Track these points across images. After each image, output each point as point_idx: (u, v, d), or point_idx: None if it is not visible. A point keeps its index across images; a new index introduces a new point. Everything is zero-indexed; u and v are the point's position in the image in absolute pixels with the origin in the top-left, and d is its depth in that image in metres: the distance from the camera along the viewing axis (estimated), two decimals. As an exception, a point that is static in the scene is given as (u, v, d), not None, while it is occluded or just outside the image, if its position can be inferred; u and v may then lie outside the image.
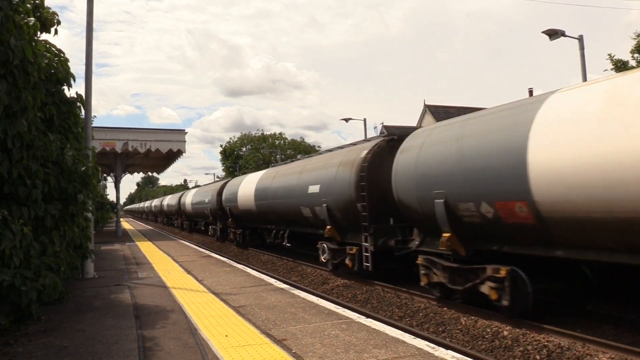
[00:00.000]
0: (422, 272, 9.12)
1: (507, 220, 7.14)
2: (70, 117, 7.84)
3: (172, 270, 11.56)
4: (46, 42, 7.29)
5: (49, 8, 7.13)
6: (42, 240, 5.93)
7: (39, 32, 6.52)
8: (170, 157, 31.37)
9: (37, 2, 6.87)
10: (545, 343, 6.31)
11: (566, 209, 6.17)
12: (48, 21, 7.11)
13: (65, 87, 7.50)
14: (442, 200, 8.16)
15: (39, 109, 6.12)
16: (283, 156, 54.38)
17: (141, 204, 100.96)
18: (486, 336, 6.94)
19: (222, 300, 7.69)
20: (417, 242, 9.52)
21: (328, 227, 12.50)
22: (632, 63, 21.71)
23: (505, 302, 7.35)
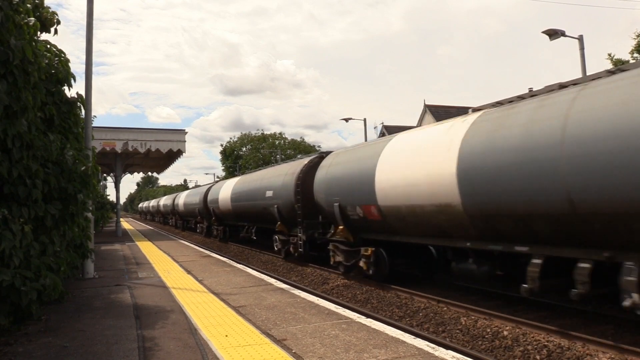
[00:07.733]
0: (331, 254, 12.70)
1: (369, 218, 10.55)
2: (70, 117, 7.83)
3: (172, 270, 11.56)
4: (46, 42, 7.28)
5: (49, 8, 7.11)
6: (42, 240, 5.92)
7: (39, 32, 6.51)
8: (170, 157, 31.36)
9: (37, 1, 6.85)
10: (545, 343, 6.31)
11: (391, 209, 9.57)
12: (48, 21, 7.09)
13: (66, 87, 7.50)
14: (337, 204, 11.70)
15: (39, 109, 6.11)
16: (283, 156, 54.30)
17: (141, 204, 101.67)
18: (486, 336, 6.94)
19: (222, 300, 7.69)
20: (331, 233, 12.80)
21: (278, 223, 16.20)
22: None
23: (370, 272, 10.94)
